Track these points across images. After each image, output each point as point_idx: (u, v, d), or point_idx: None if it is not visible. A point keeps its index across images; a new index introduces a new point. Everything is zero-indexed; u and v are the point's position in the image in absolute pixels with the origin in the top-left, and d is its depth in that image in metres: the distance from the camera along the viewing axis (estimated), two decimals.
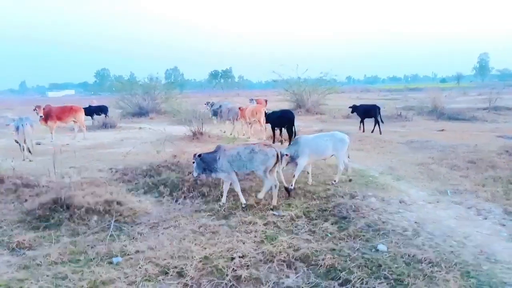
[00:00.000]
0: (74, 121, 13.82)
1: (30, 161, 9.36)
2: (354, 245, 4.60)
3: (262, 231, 5.06)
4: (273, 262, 4.22)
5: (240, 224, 5.30)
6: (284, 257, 4.31)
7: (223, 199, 6.25)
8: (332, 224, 5.22)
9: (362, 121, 14.99)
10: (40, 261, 4.32)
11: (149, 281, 3.90)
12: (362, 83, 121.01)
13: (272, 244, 4.63)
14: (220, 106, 16.41)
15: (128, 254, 4.50)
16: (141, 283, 3.85)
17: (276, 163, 6.07)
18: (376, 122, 14.24)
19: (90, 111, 18.07)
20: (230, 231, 5.13)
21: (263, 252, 4.43)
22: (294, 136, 10.98)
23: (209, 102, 18.24)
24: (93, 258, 4.40)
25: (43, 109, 13.11)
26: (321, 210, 5.71)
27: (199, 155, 6.28)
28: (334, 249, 4.49)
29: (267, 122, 12.53)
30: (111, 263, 4.30)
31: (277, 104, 28.00)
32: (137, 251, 4.56)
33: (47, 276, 3.97)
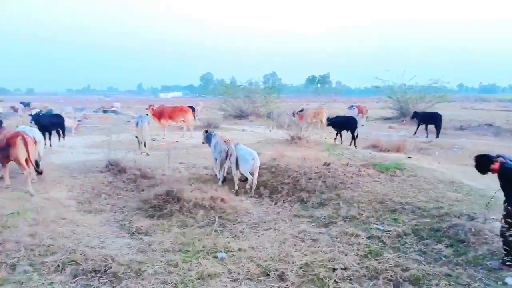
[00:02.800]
0: (183, 120, 15.05)
1: (147, 154, 10.41)
2: (475, 273, 4.06)
3: (366, 244, 4.79)
4: (378, 279, 3.95)
5: (342, 235, 5.10)
6: (391, 275, 4.00)
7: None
8: (446, 246, 4.69)
9: (419, 126, 16.28)
10: (155, 248, 4.72)
11: (251, 280, 3.98)
12: (477, 92, 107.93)
13: (376, 260, 4.34)
14: (272, 112, 19.05)
15: (231, 251, 4.66)
16: (243, 281, 3.94)
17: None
18: (437, 129, 15.41)
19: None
20: (331, 240, 4.97)
21: (367, 267, 4.18)
22: (356, 139, 12.77)
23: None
24: (200, 251, 4.66)
25: (156, 108, 14.63)
26: (433, 229, 5.18)
27: (206, 131, 9.09)
28: (449, 275, 4.02)
29: (329, 125, 13.66)
30: (216, 257, 4.50)
31: (377, 111, 26.68)
32: (239, 249, 4.70)
33: (161, 262, 4.32)
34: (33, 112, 14.94)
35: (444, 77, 22.96)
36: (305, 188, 6.92)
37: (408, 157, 10.04)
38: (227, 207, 6.22)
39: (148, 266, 4.20)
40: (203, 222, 5.70)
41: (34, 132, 7.98)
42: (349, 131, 13.03)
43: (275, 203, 6.66)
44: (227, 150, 7.64)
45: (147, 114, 13.85)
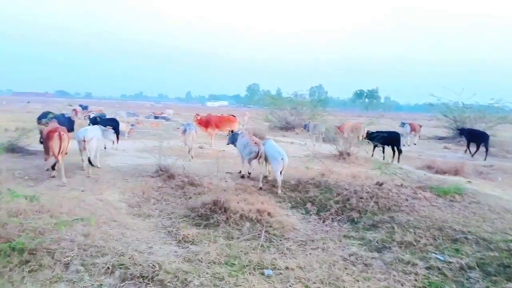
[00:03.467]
0: (230, 130, 15.13)
1: (190, 159, 10.57)
2: None
3: (424, 275, 4.42)
4: None
5: (397, 262, 4.74)
6: None
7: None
8: None
9: (468, 144, 15.89)
10: (201, 258, 4.66)
11: None
12: None
13: None
14: (309, 123, 19.34)
15: (278, 269, 4.49)
16: None
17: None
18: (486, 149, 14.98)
19: None
20: (384, 267, 4.64)
21: None
22: (400, 154, 12.62)
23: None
24: (246, 265, 4.54)
25: (203, 117, 14.94)
26: (502, 265, 4.67)
27: (232, 131, 10.19)
28: None
29: (370, 139, 13.08)
30: (262, 274, 4.35)
31: (430, 129, 25.37)
32: (287, 267, 4.52)
33: (207, 274, 4.24)
34: (91, 115, 15.83)
35: (507, 97, 21.36)
36: (356, 208, 6.60)
37: (468, 181, 9.32)
38: (273, 221, 6.07)
39: (194, 276, 4.14)
40: (249, 235, 5.59)
41: (91, 131, 8.62)
42: (392, 146, 12.76)
43: (323, 221, 6.40)
44: (258, 152, 8.45)
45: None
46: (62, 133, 7.57)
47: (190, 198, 7.25)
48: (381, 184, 7.26)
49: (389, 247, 5.22)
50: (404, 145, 17.86)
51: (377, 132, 13.47)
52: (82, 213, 5.59)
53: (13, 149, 9.65)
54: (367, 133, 14.18)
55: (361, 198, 6.86)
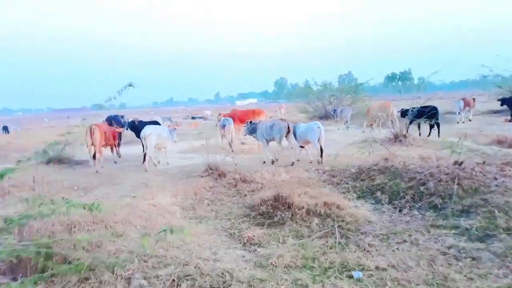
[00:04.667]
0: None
1: (231, 151, 10.10)
2: None
3: None
4: None
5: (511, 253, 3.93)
6: None
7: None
8: None
9: None
10: (274, 262, 4.07)
11: None
12: None
13: None
14: (336, 108, 20.09)
15: (367, 269, 3.82)
16: None
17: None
18: None
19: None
20: (498, 260, 3.83)
21: None
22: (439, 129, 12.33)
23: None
24: (329, 267, 3.91)
25: (227, 114, 14.58)
26: None
27: (250, 122, 10.07)
28: None
29: (404, 116, 12.69)
30: (351, 277, 3.70)
31: (482, 105, 23.53)
32: (377, 267, 3.84)
33: (286, 280, 3.65)
34: (129, 120, 15.77)
35: None
36: (436, 192, 5.76)
37: None
38: (344, 214, 5.38)
39: (272, 285, 3.56)
40: (321, 232, 4.93)
41: (149, 128, 9.37)
42: (431, 121, 11.70)
43: (400, 210, 5.62)
44: (287, 126, 9.05)
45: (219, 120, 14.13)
46: (93, 127, 9.11)
47: (245, 196, 6.71)
48: (460, 164, 6.35)
49: (494, 235, 4.38)
50: (458, 122, 16.54)
51: (412, 108, 12.41)
52: (136, 221, 5.18)
53: (59, 160, 9.55)
54: (401, 110, 13.61)
55: (439, 181, 6.00)
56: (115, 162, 10.37)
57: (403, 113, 13.08)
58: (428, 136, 12.31)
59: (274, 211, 5.55)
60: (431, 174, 6.22)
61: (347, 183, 7.04)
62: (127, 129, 12.24)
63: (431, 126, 12.44)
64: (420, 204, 5.67)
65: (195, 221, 5.67)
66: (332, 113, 20.38)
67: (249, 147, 12.38)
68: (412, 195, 5.89)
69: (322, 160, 8.83)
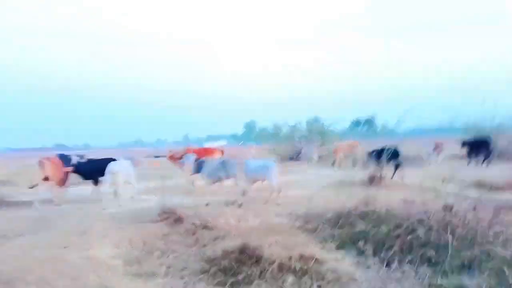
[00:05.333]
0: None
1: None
2: None
3: None
4: None
5: None
6: None
7: None
8: None
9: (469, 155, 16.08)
10: None
11: None
12: None
13: None
14: (301, 148, 20.34)
15: None
16: None
17: None
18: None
19: None
20: None
21: None
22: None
23: None
24: None
25: (177, 152, 13.41)
26: None
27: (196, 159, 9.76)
28: None
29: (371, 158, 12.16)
30: None
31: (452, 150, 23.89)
32: None
33: None
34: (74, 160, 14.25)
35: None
36: (428, 243, 4.96)
37: None
38: (325, 271, 4.43)
39: None
40: None
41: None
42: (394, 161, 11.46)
43: (387, 265, 4.74)
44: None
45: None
46: (44, 160, 9.45)
47: (205, 245, 5.61)
48: (450, 209, 5.65)
49: None
50: (431, 164, 16.36)
51: (382, 148, 11.84)
52: (58, 281, 3.97)
53: None
54: (368, 153, 12.98)
55: (429, 229, 5.22)
56: (56, 205, 9.01)
57: (370, 155, 12.57)
58: (391, 178, 11.76)
59: (239, 267, 4.49)
60: (419, 220, 5.44)
61: (324, 230, 6.12)
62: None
63: (396, 167, 11.94)
64: (410, 257, 4.81)
65: (139, 279, 4.49)
66: (295, 154, 20.55)
67: (216, 187, 11.29)
68: (400, 246, 5.04)
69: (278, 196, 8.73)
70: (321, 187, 10.01)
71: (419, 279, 4.27)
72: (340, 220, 6.35)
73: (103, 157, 10.76)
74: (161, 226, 6.29)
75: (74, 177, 10.91)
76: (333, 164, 15.61)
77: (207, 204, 8.29)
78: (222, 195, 9.64)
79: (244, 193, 8.81)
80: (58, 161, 10.13)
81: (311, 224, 6.47)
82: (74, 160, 11.95)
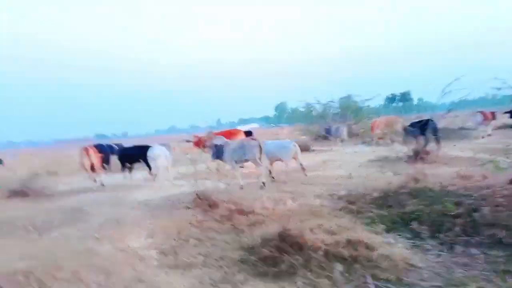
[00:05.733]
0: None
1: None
2: None
3: None
4: None
5: None
6: None
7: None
8: None
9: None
10: None
11: None
12: None
13: None
14: (330, 127, 18.66)
15: None
16: None
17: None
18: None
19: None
20: None
21: None
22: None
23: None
24: None
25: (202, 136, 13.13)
26: None
27: (215, 145, 8.84)
28: None
29: (407, 132, 11.36)
30: None
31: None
32: None
33: None
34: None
35: None
36: (496, 222, 4.32)
37: None
38: (377, 257, 3.92)
39: None
40: (349, 285, 3.48)
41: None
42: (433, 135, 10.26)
43: (451, 248, 4.18)
44: (259, 145, 8.33)
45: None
46: (87, 148, 10.48)
47: (243, 231, 5.26)
48: None
49: None
50: (483, 137, 15.17)
51: (418, 121, 11.16)
52: (91, 276, 3.73)
53: (24, 193, 8.14)
54: (404, 127, 12.03)
55: (496, 205, 4.58)
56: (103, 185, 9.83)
57: (406, 130, 11.68)
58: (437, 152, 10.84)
59: (280, 255, 4.09)
60: (483, 197, 4.79)
61: (370, 211, 5.59)
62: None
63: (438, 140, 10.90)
64: (476, 238, 4.21)
65: (175, 272, 4.20)
66: (325, 132, 19.34)
67: (247, 171, 10.94)
68: (462, 226, 4.45)
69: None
70: (360, 165, 9.39)
71: (491, 263, 3.68)
72: (387, 199, 5.80)
73: (138, 144, 10.85)
74: (195, 212, 6.00)
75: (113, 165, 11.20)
76: (370, 141, 14.78)
77: (241, 187, 7.97)
78: (247, 177, 9.30)
79: (269, 173, 8.67)
80: (95, 149, 10.98)
81: (355, 205, 5.95)
82: (110, 148, 12.30)
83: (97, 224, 5.65)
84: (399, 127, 13.08)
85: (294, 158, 8.77)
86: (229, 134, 13.11)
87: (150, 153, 9.93)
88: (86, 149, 10.67)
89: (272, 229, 4.59)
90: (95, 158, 10.64)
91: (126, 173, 10.78)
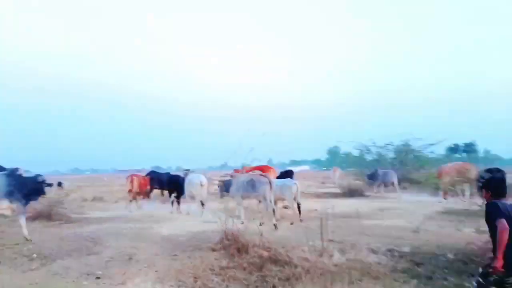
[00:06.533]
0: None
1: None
2: None
3: None
4: None
5: None
6: None
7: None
8: None
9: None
10: None
11: None
12: None
13: None
14: (376, 170, 16.63)
15: None
16: None
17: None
18: None
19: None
20: None
21: None
22: None
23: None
24: None
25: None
26: None
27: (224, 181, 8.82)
28: None
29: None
30: None
31: None
32: None
33: None
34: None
35: None
36: None
37: None
38: None
39: None
40: None
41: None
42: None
43: None
44: (269, 181, 7.94)
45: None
46: (132, 176, 11.75)
47: (274, 287, 4.15)
48: None
49: None
50: None
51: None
52: None
53: (48, 216, 7.69)
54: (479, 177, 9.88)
55: None
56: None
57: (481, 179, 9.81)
58: None
59: None
60: None
61: (445, 279, 4.21)
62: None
63: None
64: None
65: None
66: (368, 178, 17.21)
67: (292, 212, 9.79)
68: None
69: (300, 217, 8.37)
70: (426, 217, 7.83)
71: None
72: (469, 264, 4.38)
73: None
74: (220, 255, 4.99)
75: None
76: (436, 190, 12.92)
77: (260, 224, 6.83)
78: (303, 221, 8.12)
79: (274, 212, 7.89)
80: (141, 177, 12.16)
81: (423, 267, 4.59)
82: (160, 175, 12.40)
83: (106, 259, 4.85)
84: (473, 175, 11.23)
85: (294, 198, 8.47)
86: (260, 170, 12.16)
87: (198, 179, 9.91)
88: (131, 177, 11.82)
89: None
90: (137, 185, 11.58)
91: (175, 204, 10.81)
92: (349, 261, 4.93)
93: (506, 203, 3.09)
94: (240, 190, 7.94)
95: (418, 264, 4.73)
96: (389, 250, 5.29)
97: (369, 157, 25.14)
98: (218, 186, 9.18)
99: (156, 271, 4.38)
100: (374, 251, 5.31)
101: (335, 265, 4.70)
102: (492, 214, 3.00)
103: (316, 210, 9.90)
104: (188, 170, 12.26)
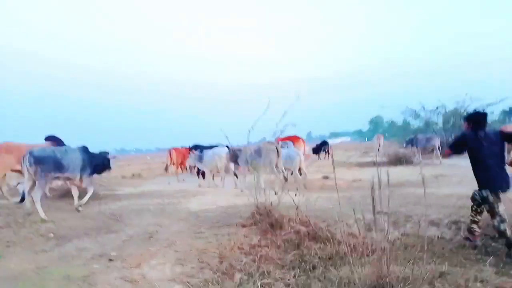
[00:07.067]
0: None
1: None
2: None
3: None
4: None
5: None
6: None
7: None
8: None
9: None
10: None
11: None
12: None
13: None
14: (416, 135, 15.96)
15: None
16: None
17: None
18: None
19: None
20: None
21: None
22: None
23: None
24: None
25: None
26: None
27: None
28: None
29: None
30: None
31: None
32: None
33: None
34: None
35: None
36: None
37: None
38: None
39: None
40: None
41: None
42: None
43: None
44: (276, 149, 7.84)
45: None
46: (171, 150, 12.16)
47: (314, 268, 3.46)
48: None
49: None
50: None
51: None
52: None
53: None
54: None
55: None
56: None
57: None
58: None
59: None
60: None
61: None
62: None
63: None
64: None
65: None
66: (406, 144, 16.10)
67: (332, 183, 8.97)
68: None
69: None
70: None
71: None
72: None
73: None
74: (250, 232, 4.36)
75: None
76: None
77: (276, 193, 6.05)
78: (344, 191, 7.31)
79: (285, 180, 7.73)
80: (181, 150, 12.57)
81: (499, 241, 3.68)
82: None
83: (124, 238, 4.37)
84: None
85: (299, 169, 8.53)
86: (290, 140, 11.38)
87: (215, 151, 9.68)
88: (169, 151, 12.28)
89: (363, 273, 2.73)
90: (176, 159, 12.07)
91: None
92: (405, 236, 4.13)
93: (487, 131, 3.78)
94: (249, 159, 7.73)
95: (492, 238, 3.83)
96: (454, 222, 4.39)
97: (416, 124, 23.58)
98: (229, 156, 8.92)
99: (176, 251, 3.82)
100: (434, 223, 4.44)
101: (389, 242, 3.91)
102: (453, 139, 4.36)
103: (360, 180, 9.01)
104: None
